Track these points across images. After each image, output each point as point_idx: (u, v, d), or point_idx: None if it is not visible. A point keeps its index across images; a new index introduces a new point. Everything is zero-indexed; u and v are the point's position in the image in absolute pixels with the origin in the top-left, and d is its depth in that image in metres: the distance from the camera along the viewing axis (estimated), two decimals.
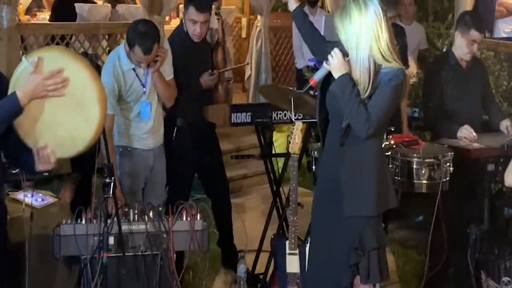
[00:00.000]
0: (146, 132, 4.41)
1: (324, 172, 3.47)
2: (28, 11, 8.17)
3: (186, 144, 4.65)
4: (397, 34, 4.46)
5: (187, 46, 4.69)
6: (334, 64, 3.21)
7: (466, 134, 4.48)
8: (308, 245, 3.74)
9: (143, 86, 4.34)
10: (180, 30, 4.79)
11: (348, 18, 3.19)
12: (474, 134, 4.48)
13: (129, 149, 4.42)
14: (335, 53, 3.21)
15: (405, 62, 4.53)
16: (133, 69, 4.29)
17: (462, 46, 4.66)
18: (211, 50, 5.08)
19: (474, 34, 4.63)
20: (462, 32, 4.64)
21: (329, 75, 3.30)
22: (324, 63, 3.25)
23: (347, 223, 3.32)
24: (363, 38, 3.16)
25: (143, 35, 4.09)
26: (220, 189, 5.06)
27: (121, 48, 4.31)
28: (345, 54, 3.22)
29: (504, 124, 4.68)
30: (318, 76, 3.29)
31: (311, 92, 4.35)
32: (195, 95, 4.72)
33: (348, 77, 3.20)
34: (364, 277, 3.32)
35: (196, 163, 4.83)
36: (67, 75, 3.08)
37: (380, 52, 3.18)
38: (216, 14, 4.98)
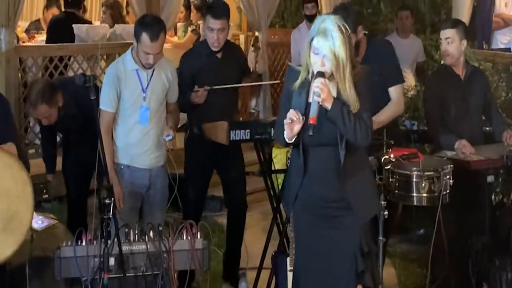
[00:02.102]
0: (145, 151, 4.42)
1: (316, 194, 3.42)
2: (26, 32, 8.21)
3: (199, 151, 4.71)
4: (389, 52, 4.50)
5: (205, 57, 4.81)
6: (325, 96, 3.14)
7: (462, 149, 4.46)
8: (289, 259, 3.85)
9: (143, 91, 4.35)
10: (201, 42, 5.06)
11: (335, 40, 3.14)
12: (470, 147, 4.46)
13: (121, 167, 4.43)
14: (322, 84, 3.14)
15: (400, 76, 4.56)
16: (136, 70, 4.31)
17: (441, 48, 4.71)
18: (241, 70, 5.07)
19: (442, 33, 4.68)
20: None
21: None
22: (315, 97, 3.16)
23: (351, 234, 3.36)
24: (349, 57, 3.19)
25: (149, 23, 4.21)
26: (236, 200, 5.04)
27: (129, 51, 4.38)
28: (324, 75, 3.18)
29: (505, 135, 4.68)
30: (314, 111, 3.17)
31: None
32: (210, 107, 4.75)
33: (339, 102, 3.21)
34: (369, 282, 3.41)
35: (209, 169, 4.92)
36: None
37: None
38: (252, 46, 5.09)
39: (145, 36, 4.14)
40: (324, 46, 3.16)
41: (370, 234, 3.51)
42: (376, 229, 3.91)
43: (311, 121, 3.15)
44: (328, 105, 3.18)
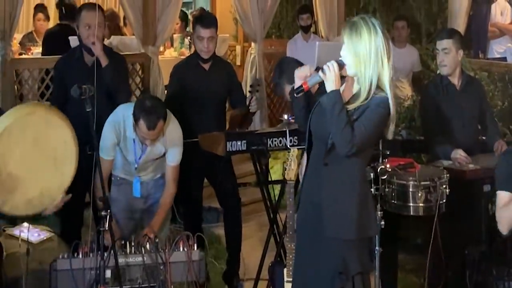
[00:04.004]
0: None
1: (306, 193, 3.42)
2: (21, 45, 8.21)
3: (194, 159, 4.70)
4: None
5: (193, 68, 4.96)
6: (329, 76, 3.18)
7: (459, 159, 4.48)
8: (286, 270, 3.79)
9: (136, 161, 4.37)
10: (191, 54, 5.25)
11: (358, 35, 3.18)
12: (466, 157, 4.47)
13: (117, 178, 4.46)
14: (332, 65, 3.19)
15: None
16: (134, 139, 4.30)
17: (437, 59, 4.72)
18: (229, 88, 5.11)
19: (438, 43, 4.71)
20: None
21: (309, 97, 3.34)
22: (320, 72, 3.22)
23: (329, 246, 3.27)
24: (372, 57, 3.17)
25: (148, 110, 4.09)
26: (231, 208, 5.07)
27: (131, 112, 4.22)
28: (341, 66, 3.22)
29: (496, 145, 4.68)
30: (312, 82, 3.25)
31: (285, 117, 4.39)
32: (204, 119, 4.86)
33: (339, 94, 3.20)
34: None
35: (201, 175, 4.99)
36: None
37: (382, 75, 3.20)
38: (250, 86, 5.14)
39: (142, 123, 4.08)
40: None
41: (359, 253, 3.29)
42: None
43: (303, 85, 3.25)
44: (329, 88, 3.20)
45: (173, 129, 4.34)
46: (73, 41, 7.37)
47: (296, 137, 4.49)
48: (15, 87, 6.02)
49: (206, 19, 5.05)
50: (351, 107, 3.20)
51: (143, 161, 4.37)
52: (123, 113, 4.31)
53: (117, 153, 4.36)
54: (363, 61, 3.18)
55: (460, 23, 7.67)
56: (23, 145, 3.23)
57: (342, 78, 3.27)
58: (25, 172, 3.18)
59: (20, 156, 3.18)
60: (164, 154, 4.39)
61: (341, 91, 3.22)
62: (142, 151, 4.33)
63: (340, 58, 3.24)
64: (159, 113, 4.11)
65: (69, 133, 3.26)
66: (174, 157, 4.38)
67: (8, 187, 3.24)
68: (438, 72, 4.93)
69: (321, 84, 3.30)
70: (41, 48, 7.76)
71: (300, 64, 3.74)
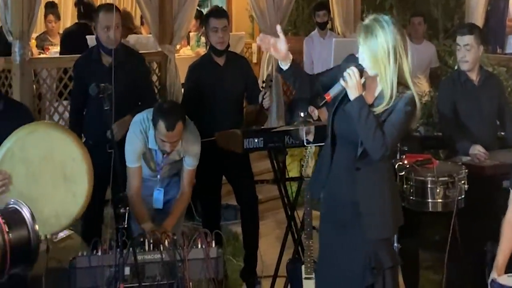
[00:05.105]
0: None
1: (334, 194, 3.42)
2: (37, 46, 8.26)
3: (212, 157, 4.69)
4: None
5: (208, 65, 5.00)
6: (351, 84, 3.15)
7: (477, 154, 4.45)
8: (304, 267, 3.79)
9: (158, 172, 4.41)
10: (205, 54, 5.26)
11: (374, 36, 3.15)
12: (485, 153, 4.44)
13: None
14: (353, 71, 3.16)
15: None
16: (155, 150, 4.32)
17: (458, 54, 4.67)
18: (245, 83, 5.13)
19: (459, 39, 4.67)
20: (455, 41, 4.68)
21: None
22: (341, 80, 3.18)
23: (362, 244, 3.30)
24: (391, 56, 3.15)
25: (167, 112, 4.13)
26: (249, 205, 5.07)
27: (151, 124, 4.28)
28: (361, 71, 3.19)
29: None
30: (334, 92, 3.21)
31: (302, 114, 4.38)
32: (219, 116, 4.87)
33: (363, 99, 3.17)
34: None
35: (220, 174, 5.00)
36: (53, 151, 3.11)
37: (403, 71, 3.19)
38: (263, 82, 5.12)
39: (161, 124, 4.10)
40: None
41: (389, 248, 3.40)
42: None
43: (326, 96, 3.20)
44: (351, 95, 3.17)
45: (190, 136, 4.35)
46: (91, 40, 7.42)
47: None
48: (34, 86, 6.06)
49: (217, 10, 5.20)
50: (378, 110, 3.19)
51: (164, 171, 4.43)
52: (142, 118, 4.32)
53: None
54: (382, 63, 3.15)
55: (477, 19, 7.60)
56: (29, 165, 3.18)
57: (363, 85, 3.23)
58: (36, 191, 3.13)
59: (27, 176, 3.14)
60: (182, 159, 4.41)
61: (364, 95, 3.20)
62: (163, 162, 4.37)
63: (359, 63, 3.22)
64: (178, 114, 4.15)
65: (77, 150, 3.19)
66: (192, 161, 4.41)
67: None
68: (456, 67, 4.90)
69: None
70: (58, 48, 7.81)
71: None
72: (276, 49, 3.22)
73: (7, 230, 1.28)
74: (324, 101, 3.22)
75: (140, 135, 4.28)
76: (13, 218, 1.31)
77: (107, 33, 4.76)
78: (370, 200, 3.29)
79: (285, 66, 3.27)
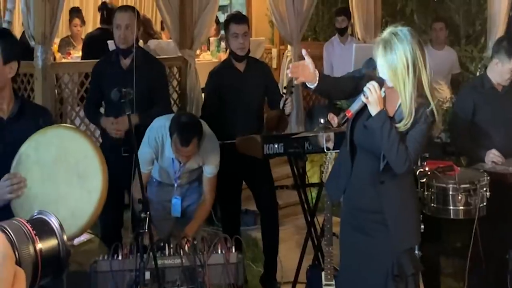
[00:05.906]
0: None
1: (353, 201, 3.43)
2: (60, 49, 8.33)
3: (232, 162, 4.68)
4: None
5: (228, 70, 5.00)
6: (372, 99, 3.15)
7: (493, 158, 4.42)
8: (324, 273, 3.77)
9: (175, 180, 4.41)
10: (225, 60, 5.23)
11: (392, 51, 3.14)
12: (500, 156, 4.40)
13: (153, 179, 4.51)
14: (373, 86, 3.15)
15: None
16: (172, 158, 4.32)
17: (503, 74, 4.57)
18: (265, 89, 5.13)
19: (493, 56, 4.59)
20: (502, 61, 4.51)
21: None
22: (362, 96, 3.18)
23: (386, 253, 3.30)
24: (410, 70, 3.13)
25: (183, 127, 4.12)
26: (269, 211, 5.07)
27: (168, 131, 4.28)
28: (381, 85, 3.18)
29: None
30: (355, 108, 3.22)
31: (322, 121, 4.36)
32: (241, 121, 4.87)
33: (385, 115, 3.17)
34: None
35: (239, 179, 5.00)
36: (67, 148, 3.13)
37: (422, 83, 3.17)
38: (284, 88, 5.11)
39: (176, 138, 4.10)
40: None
41: (412, 255, 3.41)
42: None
43: (347, 113, 3.21)
44: (373, 110, 3.17)
45: (209, 146, 4.35)
46: (112, 45, 7.48)
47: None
48: (56, 91, 6.10)
49: (238, 16, 5.18)
50: (399, 126, 3.18)
51: (181, 180, 4.45)
52: (162, 132, 4.30)
53: (155, 164, 4.41)
54: (402, 77, 3.14)
55: (500, 24, 7.56)
56: (42, 166, 3.19)
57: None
58: (51, 193, 3.14)
59: (41, 177, 3.14)
60: (201, 167, 4.42)
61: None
62: (180, 171, 4.38)
63: (379, 75, 3.22)
64: (194, 131, 4.14)
65: (88, 147, 3.20)
66: (212, 169, 4.41)
67: (38, 208, 3.20)
68: (477, 73, 4.86)
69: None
70: (80, 52, 7.87)
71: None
72: (305, 75, 3.21)
73: (38, 241, 1.28)
74: (345, 119, 3.23)
75: (153, 142, 4.29)
76: (43, 229, 1.31)
77: (119, 31, 4.79)
78: (395, 212, 3.30)
79: (312, 85, 3.25)
